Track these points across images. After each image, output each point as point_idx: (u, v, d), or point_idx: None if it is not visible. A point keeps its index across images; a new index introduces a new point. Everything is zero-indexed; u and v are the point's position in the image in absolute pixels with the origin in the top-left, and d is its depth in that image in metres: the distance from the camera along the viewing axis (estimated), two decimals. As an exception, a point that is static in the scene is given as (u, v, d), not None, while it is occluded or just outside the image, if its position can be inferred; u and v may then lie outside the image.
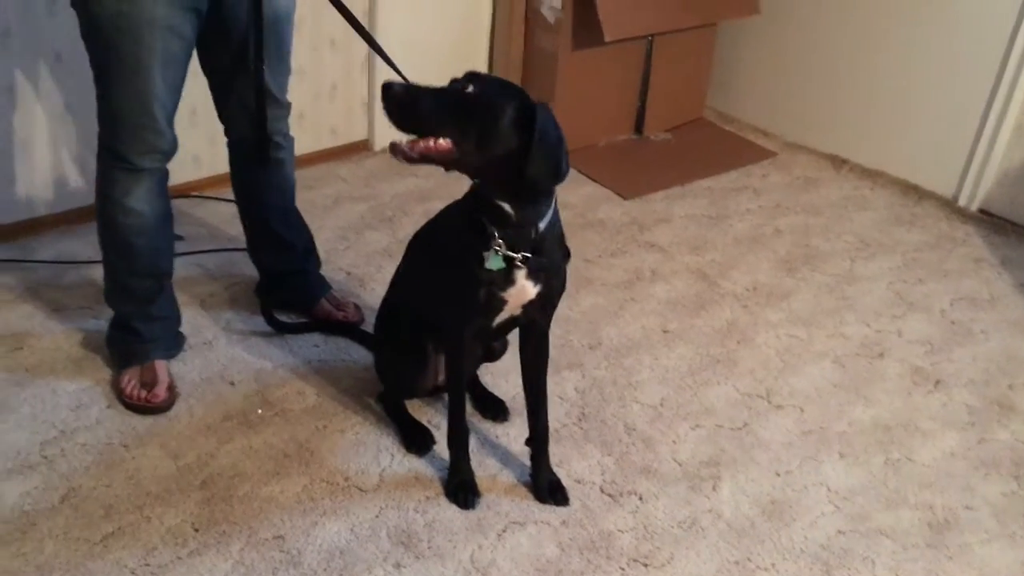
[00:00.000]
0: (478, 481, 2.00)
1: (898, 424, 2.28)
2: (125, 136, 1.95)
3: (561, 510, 1.96)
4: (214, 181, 2.96)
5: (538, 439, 1.99)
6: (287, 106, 2.23)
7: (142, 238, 2.08)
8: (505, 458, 2.09)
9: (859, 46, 3.40)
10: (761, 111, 3.77)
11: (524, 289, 1.78)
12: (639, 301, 2.68)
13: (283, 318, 2.42)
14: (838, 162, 3.53)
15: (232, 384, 2.23)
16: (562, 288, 1.87)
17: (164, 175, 2.07)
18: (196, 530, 1.86)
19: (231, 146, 2.29)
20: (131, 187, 2.01)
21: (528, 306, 1.83)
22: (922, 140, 3.31)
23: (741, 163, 3.52)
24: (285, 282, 2.46)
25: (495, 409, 2.20)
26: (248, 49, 2.03)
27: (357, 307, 2.50)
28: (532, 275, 1.77)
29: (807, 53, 3.57)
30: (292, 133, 2.29)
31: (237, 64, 2.07)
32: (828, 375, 2.43)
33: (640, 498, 2.02)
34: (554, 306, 1.90)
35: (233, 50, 2.05)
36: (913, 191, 3.33)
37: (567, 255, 1.87)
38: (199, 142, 2.85)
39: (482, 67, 3.53)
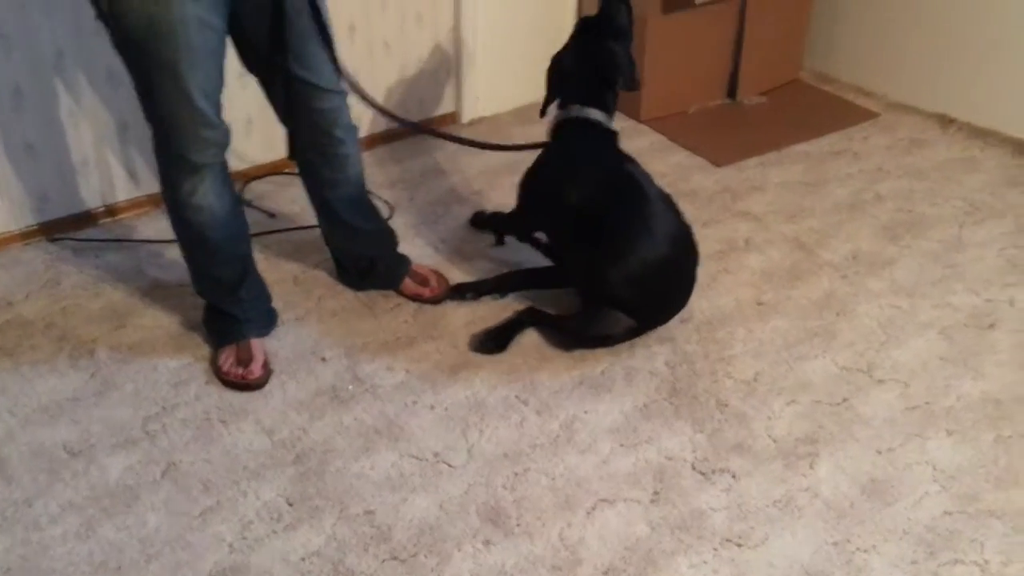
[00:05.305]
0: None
1: (1011, 399, 2.16)
2: (179, 137, 1.92)
3: (650, 488, 1.93)
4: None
5: None
6: (339, 94, 2.08)
7: (216, 231, 2.09)
8: (594, 434, 2.07)
9: (968, -3, 3.22)
10: (861, 70, 3.60)
11: None
12: (732, 272, 2.60)
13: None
14: (945, 121, 3.35)
15: (323, 360, 2.26)
16: None
17: (224, 166, 2.05)
18: (290, 504, 1.89)
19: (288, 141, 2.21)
20: (196, 185, 2.00)
21: None
22: (1038, 96, 3.12)
23: (840, 126, 3.37)
24: (366, 267, 2.45)
25: None
26: (280, 38, 1.93)
27: (440, 276, 2.50)
28: None
29: (910, 4, 3.38)
30: (357, 121, 2.18)
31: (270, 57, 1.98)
32: (934, 347, 2.32)
33: (733, 476, 1.97)
34: None
35: (262, 42, 1.96)
36: (1028, 150, 3.15)
37: None
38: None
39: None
